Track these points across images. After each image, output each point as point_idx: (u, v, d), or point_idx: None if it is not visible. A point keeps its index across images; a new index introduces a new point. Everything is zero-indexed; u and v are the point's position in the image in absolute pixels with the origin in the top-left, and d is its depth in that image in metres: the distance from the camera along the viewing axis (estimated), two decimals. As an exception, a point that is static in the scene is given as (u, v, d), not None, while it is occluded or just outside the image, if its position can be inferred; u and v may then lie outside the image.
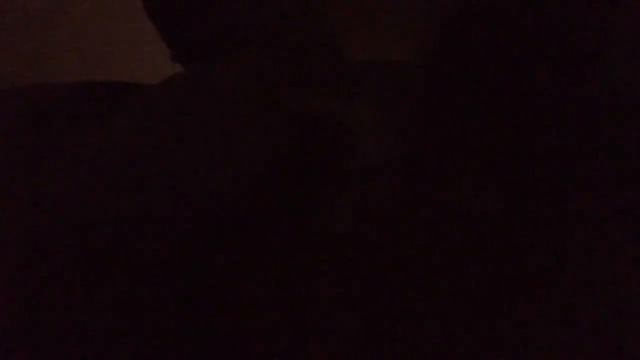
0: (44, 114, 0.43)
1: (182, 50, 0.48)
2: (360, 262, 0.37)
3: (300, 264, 0.37)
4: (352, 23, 0.44)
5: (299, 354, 0.36)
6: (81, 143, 0.40)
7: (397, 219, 0.38)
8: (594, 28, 0.42)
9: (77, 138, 0.41)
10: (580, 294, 0.36)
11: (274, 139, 0.39)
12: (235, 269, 0.37)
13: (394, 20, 0.44)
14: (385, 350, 0.36)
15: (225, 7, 0.45)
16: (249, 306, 0.36)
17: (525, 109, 0.40)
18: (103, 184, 0.38)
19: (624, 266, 0.37)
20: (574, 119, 0.40)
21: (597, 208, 0.37)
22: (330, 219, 0.37)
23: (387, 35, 0.44)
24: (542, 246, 0.37)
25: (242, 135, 0.39)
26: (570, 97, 0.40)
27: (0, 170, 0.41)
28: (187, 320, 0.36)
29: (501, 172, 0.38)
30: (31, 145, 0.42)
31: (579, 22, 0.41)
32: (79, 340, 0.35)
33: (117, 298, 0.36)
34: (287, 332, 0.36)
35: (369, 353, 0.36)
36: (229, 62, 0.43)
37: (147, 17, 0.50)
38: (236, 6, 0.45)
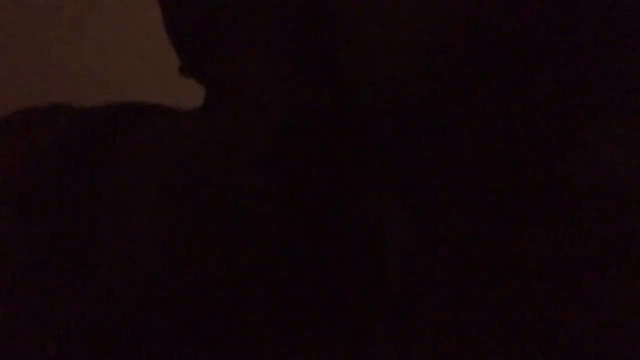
0: (84, 138, 0.46)
1: (194, 64, 0.49)
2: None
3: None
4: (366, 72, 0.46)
5: None
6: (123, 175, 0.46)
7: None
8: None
9: (115, 169, 0.46)
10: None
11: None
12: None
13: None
14: None
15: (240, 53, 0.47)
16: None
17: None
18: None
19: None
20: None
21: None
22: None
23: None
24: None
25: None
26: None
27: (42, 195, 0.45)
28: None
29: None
30: (72, 172, 0.45)
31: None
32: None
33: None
34: None
35: None
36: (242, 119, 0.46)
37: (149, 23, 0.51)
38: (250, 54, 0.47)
